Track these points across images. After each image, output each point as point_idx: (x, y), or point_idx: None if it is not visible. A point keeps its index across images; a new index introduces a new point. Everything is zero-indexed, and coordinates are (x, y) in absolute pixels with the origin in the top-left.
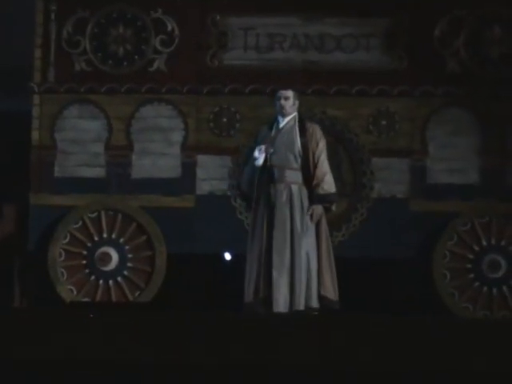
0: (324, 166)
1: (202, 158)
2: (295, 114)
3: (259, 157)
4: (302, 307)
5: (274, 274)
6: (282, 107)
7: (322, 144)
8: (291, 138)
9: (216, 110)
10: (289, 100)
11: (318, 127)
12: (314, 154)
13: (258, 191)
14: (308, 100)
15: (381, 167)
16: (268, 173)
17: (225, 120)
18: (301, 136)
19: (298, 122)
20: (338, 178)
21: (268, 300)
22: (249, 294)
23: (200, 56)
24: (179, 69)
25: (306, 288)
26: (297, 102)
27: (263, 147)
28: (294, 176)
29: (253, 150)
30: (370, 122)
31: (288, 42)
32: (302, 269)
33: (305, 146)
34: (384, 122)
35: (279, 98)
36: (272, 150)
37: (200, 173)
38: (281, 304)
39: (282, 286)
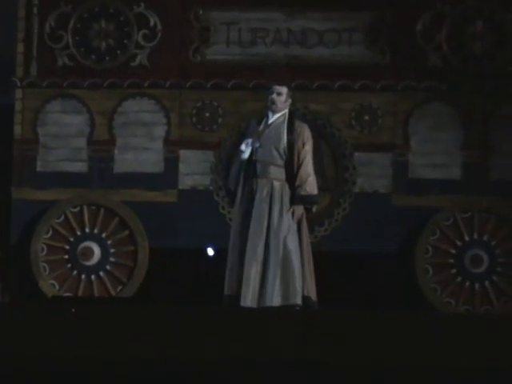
0: (308, 168)
1: (184, 153)
2: (286, 111)
3: (245, 150)
4: (276, 303)
5: (245, 267)
6: (273, 102)
7: (309, 145)
8: (278, 135)
9: (199, 105)
10: (281, 96)
11: (307, 128)
12: (299, 154)
13: (242, 185)
14: (290, 95)
15: (363, 162)
16: (252, 167)
17: (207, 115)
18: (288, 134)
19: (288, 119)
20: (320, 173)
21: (238, 294)
22: (227, 287)
23: (182, 51)
24: (162, 63)
25: (283, 285)
26: (289, 100)
27: (250, 141)
28: (277, 172)
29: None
30: (352, 116)
31: (271, 37)
32: (277, 264)
33: (291, 144)
34: (366, 117)
35: (272, 93)
36: (258, 145)
37: (182, 167)
38: (248, 299)
39: (252, 279)
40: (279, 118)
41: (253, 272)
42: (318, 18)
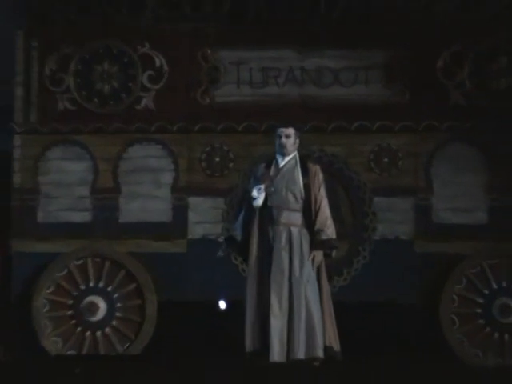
0: (326, 211)
1: (193, 200)
2: (295, 153)
3: (258, 196)
4: (301, 356)
5: (272, 320)
6: (282, 146)
7: (324, 187)
8: (292, 179)
9: (208, 150)
10: (290, 138)
11: (320, 169)
12: (316, 197)
13: (257, 234)
14: (305, 137)
15: (383, 207)
16: (267, 214)
17: (217, 159)
18: (303, 177)
19: (300, 161)
20: (337, 219)
21: (265, 348)
22: (249, 343)
23: (190, 92)
24: (169, 106)
25: (306, 337)
26: (297, 141)
27: (263, 186)
28: (293, 218)
29: (249, 192)
30: (370, 159)
31: (283, 77)
32: (301, 316)
33: (307, 188)
34: (386, 159)
35: (280, 136)
36: (273, 190)
37: (192, 216)
38: (276, 352)
39: (280, 332)
40: (290, 161)
41: (280, 326)
42: (332, 55)
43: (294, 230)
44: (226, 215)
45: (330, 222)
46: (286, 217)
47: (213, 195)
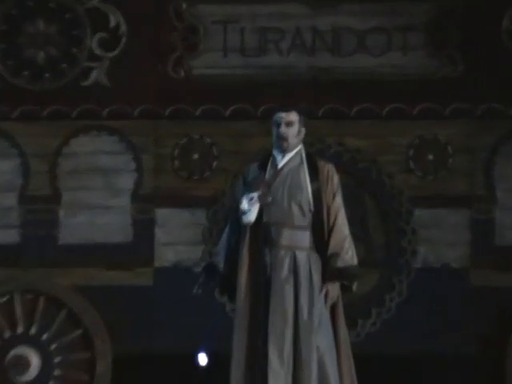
0: (344, 228)
1: (162, 213)
2: (300, 147)
3: (250, 209)
4: None
5: (271, 380)
6: (282, 137)
7: (341, 194)
8: (297, 184)
9: (183, 143)
10: (292, 127)
11: (334, 168)
12: (329, 209)
13: (247, 260)
14: (317, 125)
15: (427, 223)
16: (262, 233)
17: (196, 156)
18: (312, 181)
19: (307, 160)
20: (361, 239)
21: None
22: None
23: (158, 63)
24: (128, 82)
25: None
26: (303, 130)
27: (256, 195)
28: (299, 238)
29: (237, 202)
30: (409, 156)
31: (287, 41)
32: (311, 375)
33: (317, 196)
34: (431, 157)
35: (278, 124)
36: (270, 199)
37: (160, 235)
38: None
39: None
40: (293, 158)
41: (282, 379)
42: (357, 12)
43: (301, 255)
44: (208, 234)
45: (349, 242)
46: (288, 237)
47: (190, 206)
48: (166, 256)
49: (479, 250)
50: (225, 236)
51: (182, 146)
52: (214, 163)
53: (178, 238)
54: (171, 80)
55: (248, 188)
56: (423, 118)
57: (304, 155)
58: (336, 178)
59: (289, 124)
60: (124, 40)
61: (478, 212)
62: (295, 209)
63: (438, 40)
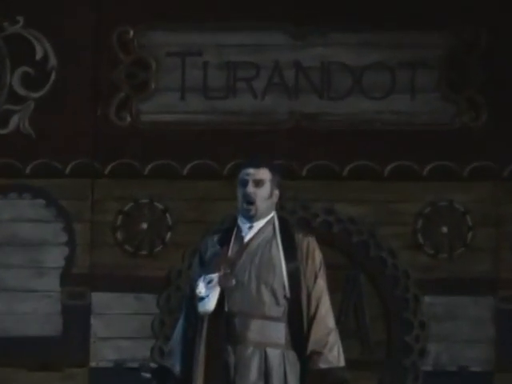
0: (328, 319)
1: (101, 299)
2: (273, 214)
3: (208, 295)
4: None
5: None
6: (248, 200)
7: (324, 276)
8: (269, 262)
9: (128, 208)
10: (262, 187)
11: (316, 243)
12: (310, 295)
13: (203, 359)
14: (301, 187)
15: (440, 314)
16: (224, 325)
17: (144, 226)
18: (288, 258)
19: (281, 230)
20: (355, 334)
21: None
22: None
23: (98, 106)
24: (58, 130)
25: None
26: (276, 193)
27: (215, 277)
28: (272, 331)
29: (192, 286)
30: (417, 228)
31: (263, 79)
32: None
33: (294, 278)
34: (445, 229)
35: (244, 183)
36: (234, 283)
37: (98, 326)
38: None
39: None
40: (263, 229)
41: None
42: (352, 43)
43: (273, 354)
44: (159, 326)
45: (334, 337)
46: (257, 330)
47: (136, 290)
48: (104, 354)
49: (506, 350)
50: (180, 329)
51: (127, 213)
52: (168, 235)
53: (119, 330)
54: (114, 128)
55: (206, 268)
56: (435, 179)
57: (277, 225)
58: (318, 255)
59: (258, 183)
60: (54, 76)
61: (504, 300)
62: (266, 295)
63: (456, 80)
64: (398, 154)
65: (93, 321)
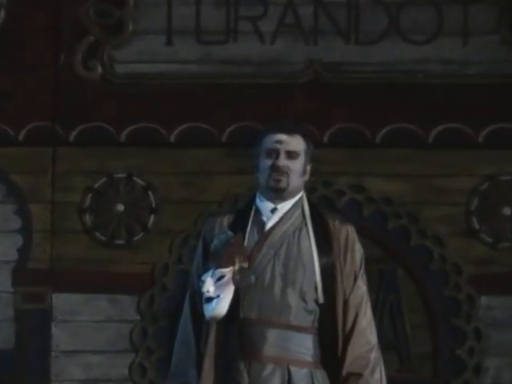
0: (369, 333)
1: (64, 302)
2: (302, 195)
3: (218, 296)
4: None
5: None
6: (279, 177)
7: (364, 278)
8: (298, 257)
9: (100, 184)
10: (297, 159)
11: (356, 233)
12: (347, 301)
13: (212, 375)
14: (322, 157)
15: (501, 319)
16: (237, 335)
17: (120, 208)
18: (320, 253)
19: (311, 215)
20: (392, 345)
21: None
22: None
23: (60, 54)
24: (8, 85)
25: None
26: (309, 168)
27: (228, 272)
28: (298, 345)
29: (193, 283)
30: (472, 209)
31: (273, 18)
32: None
33: (329, 278)
34: (507, 211)
35: (275, 153)
36: (253, 280)
37: (61, 337)
38: None
39: None
40: (290, 213)
41: None
42: None
43: (298, 374)
44: (140, 337)
45: (376, 356)
46: (279, 343)
47: (110, 291)
48: (69, 372)
49: None
50: (189, 335)
51: (98, 191)
52: (150, 220)
53: (89, 342)
54: (80, 81)
55: (213, 260)
56: (494, 147)
57: (307, 209)
58: (359, 249)
59: (291, 155)
60: (2, 15)
61: None
62: (293, 298)
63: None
64: (446, 115)
65: (54, 330)
